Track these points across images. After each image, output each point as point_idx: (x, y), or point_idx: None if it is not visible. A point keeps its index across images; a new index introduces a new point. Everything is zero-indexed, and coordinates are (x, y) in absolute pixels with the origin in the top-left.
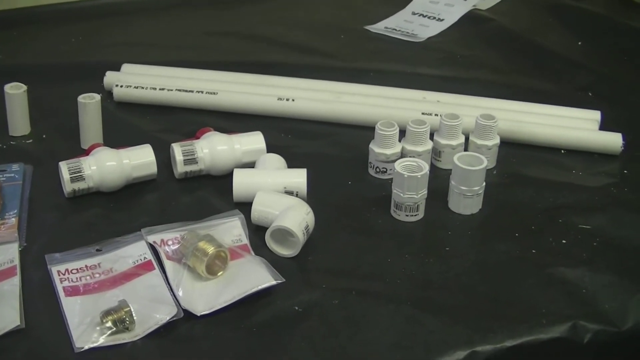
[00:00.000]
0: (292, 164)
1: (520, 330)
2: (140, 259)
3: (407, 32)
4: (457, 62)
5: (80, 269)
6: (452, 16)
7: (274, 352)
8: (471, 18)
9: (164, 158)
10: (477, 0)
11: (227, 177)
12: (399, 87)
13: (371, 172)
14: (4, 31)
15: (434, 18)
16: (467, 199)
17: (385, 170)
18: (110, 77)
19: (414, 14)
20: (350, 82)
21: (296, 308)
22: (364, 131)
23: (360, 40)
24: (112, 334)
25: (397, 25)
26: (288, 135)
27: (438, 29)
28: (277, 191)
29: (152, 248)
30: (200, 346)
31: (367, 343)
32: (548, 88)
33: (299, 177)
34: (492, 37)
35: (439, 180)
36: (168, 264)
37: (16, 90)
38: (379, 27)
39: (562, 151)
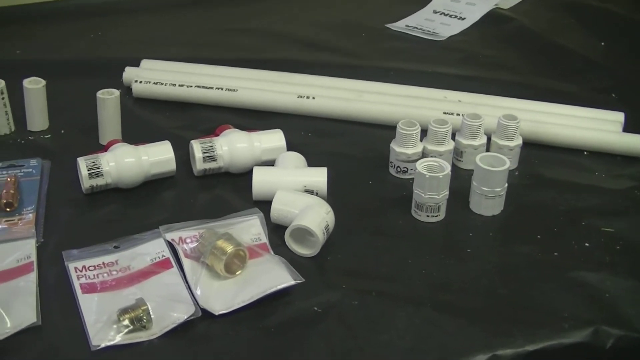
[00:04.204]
0: (311, 162)
1: (541, 335)
2: (158, 257)
3: (428, 31)
4: (478, 61)
5: (97, 266)
6: (473, 15)
7: (291, 352)
8: (492, 17)
9: (183, 155)
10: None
11: (245, 175)
12: (420, 86)
13: (392, 171)
14: (24, 26)
15: (456, 17)
16: (488, 200)
17: (406, 169)
18: (129, 73)
19: (435, 12)
20: (370, 80)
21: (315, 308)
22: (385, 130)
23: (381, 38)
24: (129, 332)
25: (418, 23)
26: (308, 134)
27: (459, 27)
28: (297, 190)
29: (170, 246)
30: (217, 346)
31: (386, 345)
32: (570, 89)
33: (319, 176)
34: (513, 37)
35: (460, 181)
36: (186, 262)
37: (35, 85)
38: (399, 26)
39: (585, 153)
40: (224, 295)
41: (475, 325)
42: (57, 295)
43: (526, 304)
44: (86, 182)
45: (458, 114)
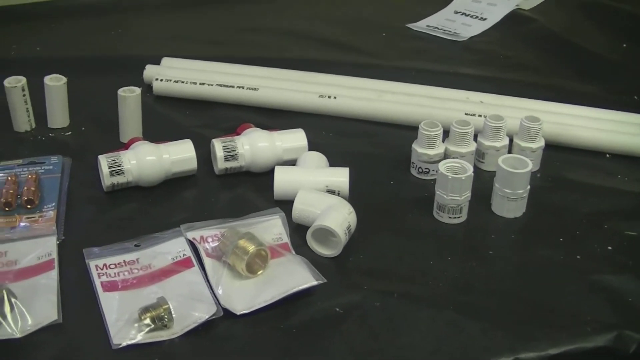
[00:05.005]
0: (332, 162)
1: (564, 338)
2: (180, 256)
3: (449, 31)
4: (499, 62)
5: (118, 264)
6: (494, 16)
7: (312, 353)
8: (514, 18)
9: (204, 154)
10: (520, 0)
11: (266, 175)
12: (440, 86)
13: (413, 172)
14: (45, 23)
15: (477, 17)
16: (511, 202)
17: (427, 170)
18: (150, 71)
19: (456, 12)
20: (391, 80)
21: (337, 309)
22: (406, 131)
23: (402, 38)
24: (150, 331)
25: (439, 23)
26: (329, 134)
27: (480, 28)
28: (319, 190)
29: (191, 245)
30: (238, 346)
31: (407, 347)
32: (592, 91)
33: (341, 176)
34: (534, 38)
35: (481, 182)
36: (208, 262)
37: (56, 82)
38: (420, 26)
39: (607, 155)
40: (245, 295)
41: (498, 327)
42: (77, 293)
43: (548, 307)
44: (107, 180)
45: (480, 115)
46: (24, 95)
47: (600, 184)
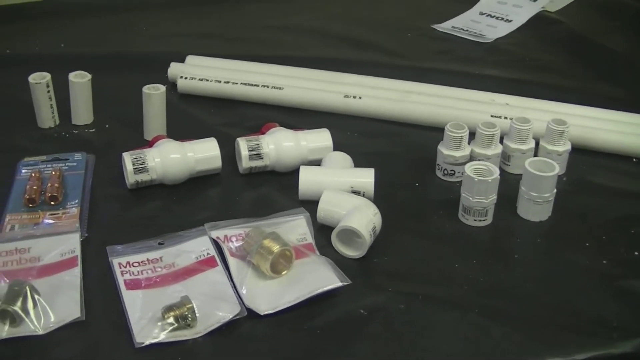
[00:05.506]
0: (357, 163)
1: (590, 344)
2: (203, 255)
3: (475, 33)
4: (524, 64)
5: (141, 262)
6: (520, 17)
7: (335, 355)
8: (539, 20)
9: (228, 152)
10: (546, 2)
11: (291, 174)
12: (465, 88)
13: (438, 174)
14: (69, 20)
15: (502, 19)
16: (537, 205)
17: (453, 172)
18: (174, 68)
19: (481, 14)
20: (415, 81)
21: (361, 311)
22: (431, 132)
23: (427, 39)
24: (173, 330)
25: (464, 25)
26: (354, 134)
27: (506, 30)
28: (344, 190)
29: (215, 244)
30: (261, 346)
31: (431, 350)
32: (618, 94)
33: (366, 177)
34: (560, 40)
35: (507, 185)
36: (232, 261)
37: (80, 79)
38: (445, 27)
39: (634, 160)
40: (270, 295)
41: (522, 332)
42: (100, 291)
43: (574, 312)
44: (131, 178)
45: (506, 118)
46: (48, 91)
47: (627, 189)
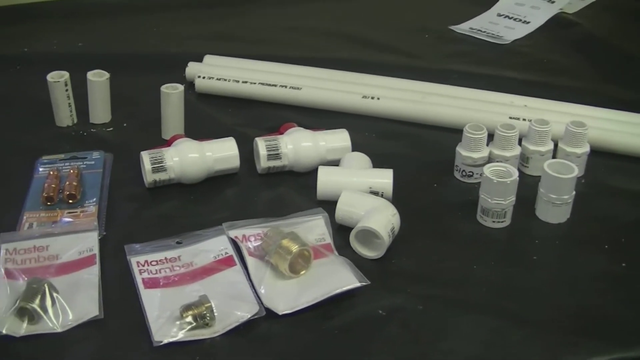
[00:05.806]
0: (375, 163)
1: (608, 348)
2: (222, 254)
3: (493, 34)
4: (542, 66)
5: (160, 261)
6: (538, 19)
7: (353, 356)
8: (557, 21)
9: (246, 152)
10: (564, 4)
11: (309, 174)
12: (483, 89)
13: (457, 175)
14: (89, 20)
15: (520, 20)
16: (555, 207)
17: (471, 174)
18: (192, 68)
19: (499, 15)
20: (433, 82)
21: (380, 312)
22: (449, 133)
23: (444, 40)
24: (192, 329)
25: (482, 26)
26: (372, 134)
27: (524, 31)
28: (362, 191)
29: (233, 243)
30: (279, 346)
31: (449, 352)
32: (636, 97)
33: (385, 178)
34: (578, 42)
35: (525, 187)
36: (250, 261)
37: (99, 78)
38: (463, 28)
39: None
40: (288, 295)
41: (541, 334)
42: (118, 290)
43: (592, 315)
44: (149, 177)
45: (524, 119)
46: (66, 90)
47: None
